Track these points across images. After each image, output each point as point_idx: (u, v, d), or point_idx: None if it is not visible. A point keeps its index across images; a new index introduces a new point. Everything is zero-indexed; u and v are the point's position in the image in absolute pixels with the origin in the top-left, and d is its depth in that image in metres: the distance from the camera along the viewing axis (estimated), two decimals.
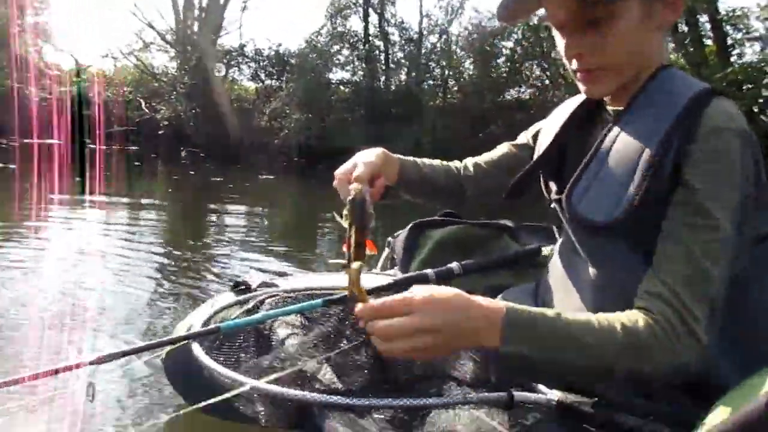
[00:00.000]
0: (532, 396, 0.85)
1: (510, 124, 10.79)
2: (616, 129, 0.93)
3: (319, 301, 1.19)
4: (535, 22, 11.51)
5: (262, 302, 1.29)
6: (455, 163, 1.27)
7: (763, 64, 8.14)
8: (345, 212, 0.83)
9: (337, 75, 15.27)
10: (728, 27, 8.94)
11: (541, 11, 0.94)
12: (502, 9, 0.95)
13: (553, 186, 1.06)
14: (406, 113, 13.07)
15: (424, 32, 14.76)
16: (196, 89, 15.28)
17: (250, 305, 1.28)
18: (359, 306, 0.77)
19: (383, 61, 15.07)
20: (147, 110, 16.70)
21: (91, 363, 1.07)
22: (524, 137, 1.22)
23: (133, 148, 15.19)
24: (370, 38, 15.06)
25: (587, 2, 0.86)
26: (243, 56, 16.62)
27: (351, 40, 15.11)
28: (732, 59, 8.80)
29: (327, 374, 1.01)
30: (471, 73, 14.05)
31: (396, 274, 1.55)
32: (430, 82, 14.74)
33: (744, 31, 8.95)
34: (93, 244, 3.97)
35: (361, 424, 0.85)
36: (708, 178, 0.81)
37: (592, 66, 0.92)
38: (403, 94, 13.96)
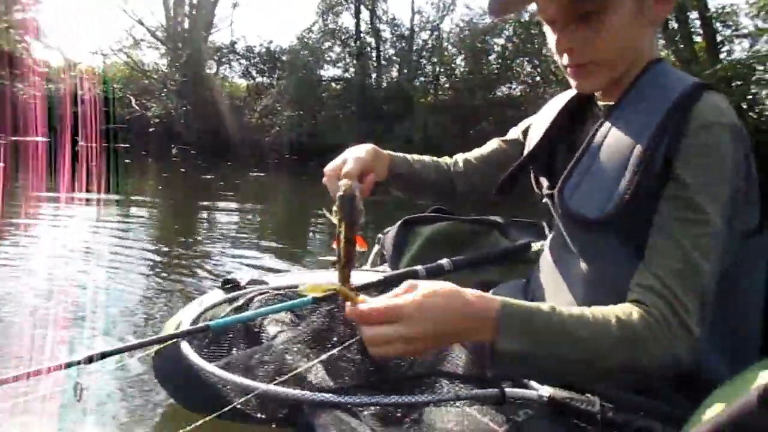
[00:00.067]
0: (523, 392, 0.85)
1: (501, 120, 10.82)
2: (607, 124, 0.92)
3: (308, 297, 1.18)
4: (527, 18, 11.55)
5: (251, 300, 1.27)
6: (445, 159, 1.27)
7: (752, 61, 8.21)
8: (335, 209, 0.82)
9: (328, 72, 15.29)
10: (718, 24, 9.02)
11: (533, 6, 0.94)
12: (494, 2, 0.95)
13: (543, 181, 1.06)
14: (398, 110, 13.08)
15: (416, 29, 14.80)
16: (187, 86, 15.22)
17: (239, 303, 1.27)
18: (348, 306, 0.76)
19: (375, 58, 15.08)
20: (137, 107, 16.62)
21: (79, 363, 1.06)
22: (514, 133, 1.22)
23: (124, 145, 15.09)
24: (362, 35, 15.05)
25: None
26: (234, 53, 16.57)
27: (342, 37, 15.10)
28: (721, 56, 8.87)
29: (318, 372, 1.00)
30: (462, 69, 14.09)
31: (386, 270, 1.54)
32: (422, 78, 14.77)
33: (733, 28, 9.04)
34: (83, 241, 3.94)
35: (352, 421, 0.84)
36: (698, 172, 0.81)
37: (583, 61, 0.92)
38: (395, 91, 13.97)
